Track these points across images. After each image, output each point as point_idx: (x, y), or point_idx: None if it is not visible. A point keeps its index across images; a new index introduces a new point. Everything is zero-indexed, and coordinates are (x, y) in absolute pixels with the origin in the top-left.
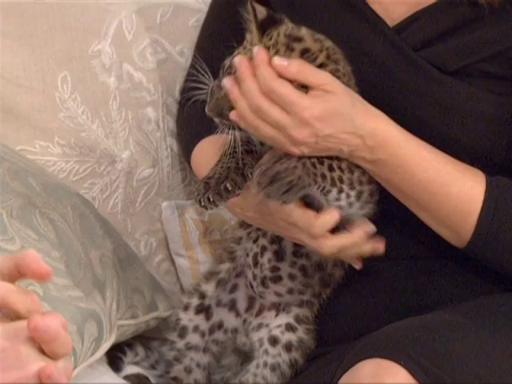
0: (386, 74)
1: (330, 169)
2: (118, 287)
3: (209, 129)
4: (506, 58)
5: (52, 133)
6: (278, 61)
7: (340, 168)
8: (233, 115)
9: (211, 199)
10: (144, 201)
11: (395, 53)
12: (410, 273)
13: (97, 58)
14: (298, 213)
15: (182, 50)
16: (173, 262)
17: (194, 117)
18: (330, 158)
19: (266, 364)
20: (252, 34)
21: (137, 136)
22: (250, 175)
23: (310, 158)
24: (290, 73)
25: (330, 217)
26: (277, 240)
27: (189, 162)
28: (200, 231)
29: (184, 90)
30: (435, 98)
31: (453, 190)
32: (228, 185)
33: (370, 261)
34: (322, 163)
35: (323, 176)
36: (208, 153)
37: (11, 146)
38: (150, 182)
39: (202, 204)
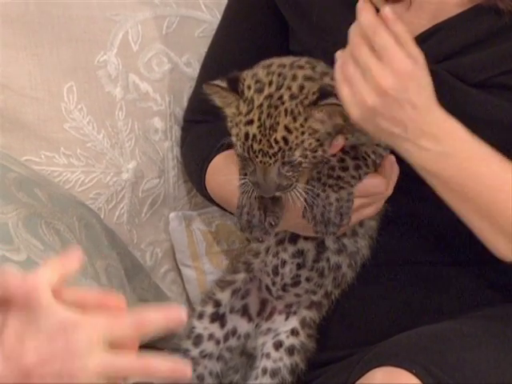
0: None
1: (356, 167)
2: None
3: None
4: None
5: (58, 143)
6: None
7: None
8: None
9: (260, 239)
10: (150, 211)
11: None
12: (417, 279)
13: (103, 68)
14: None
15: (189, 60)
16: (179, 272)
17: (202, 137)
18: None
19: (265, 371)
20: (232, 104)
21: (143, 146)
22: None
23: (328, 178)
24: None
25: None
26: (300, 254)
27: (200, 185)
28: (207, 242)
29: (189, 114)
30: (457, 108)
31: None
32: (271, 220)
33: (376, 266)
34: (344, 168)
35: (352, 177)
36: (224, 171)
37: (17, 157)
38: (156, 192)
39: (252, 241)
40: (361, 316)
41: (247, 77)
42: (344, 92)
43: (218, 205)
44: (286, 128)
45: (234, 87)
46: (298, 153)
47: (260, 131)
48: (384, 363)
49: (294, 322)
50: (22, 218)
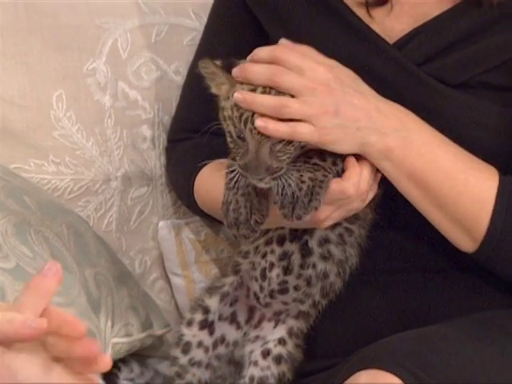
0: (389, 90)
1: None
2: (112, 305)
3: (204, 159)
4: (508, 68)
5: (47, 151)
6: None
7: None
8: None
9: (246, 236)
10: (138, 219)
11: (397, 69)
12: (406, 287)
13: (92, 76)
14: (336, 189)
15: (178, 68)
16: (167, 280)
17: (188, 152)
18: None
19: (253, 379)
20: (222, 85)
21: (131, 154)
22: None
23: (305, 163)
24: None
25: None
26: (285, 256)
27: (189, 199)
28: (196, 250)
29: (173, 134)
30: (440, 111)
31: (470, 178)
32: (257, 218)
33: (365, 275)
34: (322, 159)
35: (329, 167)
36: (212, 178)
37: (6, 165)
38: (145, 200)
39: (238, 239)
40: (349, 325)
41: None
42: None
43: (208, 217)
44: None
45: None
46: None
47: (265, 92)
48: (368, 366)
49: (281, 332)
50: (10, 226)
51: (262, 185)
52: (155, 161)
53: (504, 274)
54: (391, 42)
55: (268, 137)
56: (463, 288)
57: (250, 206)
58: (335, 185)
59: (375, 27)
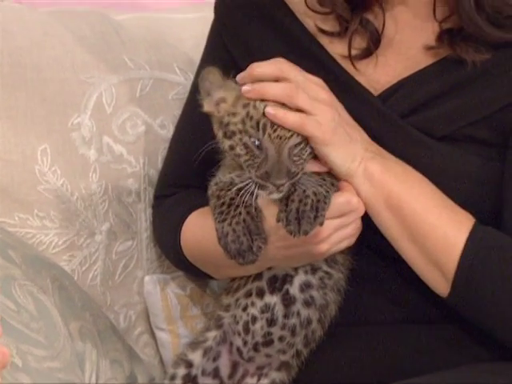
0: (373, 141)
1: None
2: (97, 359)
3: (188, 210)
4: (491, 123)
5: (31, 205)
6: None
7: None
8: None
9: (253, 261)
10: (123, 273)
11: (382, 121)
12: (392, 338)
13: (77, 130)
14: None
15: (163, 122)
16: (152, 334)
17: (172, 206)
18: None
19: None
20: (222, 103)
21: (116, 208)
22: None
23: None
24: None
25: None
26: (267, 309)
27: (174, 253)
28: (182, 305)
29: (160, 190)
30: (423, 162)
31: (444, 213)
32: (260, 244)
33: (346, 326)
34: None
35: (326, 176)
36: (199, 221)
37: None
38: (129, 254)
39: (242, 263)
40: (333, 377)
41: None
42: (308, 128)
43: (194, 270)
44: None
45: None
46: None
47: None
48: None
49: None
50: None
51: (275, 196)
52: (140, 214)
53: (480, 322)
54: (376, 93)
55: (286, 139)
56: (447, 340)
57: (249, 232)
58: (340, 197)
59: (360, 78)
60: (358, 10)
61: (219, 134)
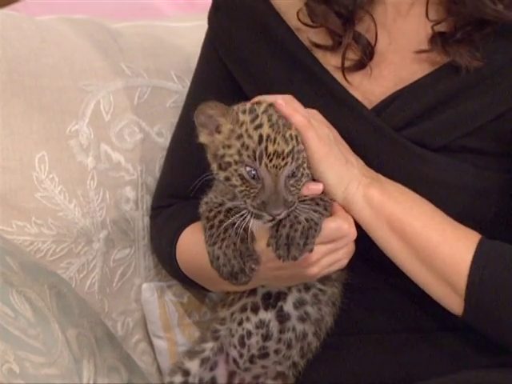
0: (368, 155)
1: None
2: (94, 366)
3: (185, 222)
4: (486, 132)
5: (29, 212)
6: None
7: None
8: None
9: (245, 281)
10: (121, 281)
11: (376, 134)
12: (384, 348)
13: (74, 138)
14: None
15: (160, 130)
16: (150, 342)
17: (170, 217)
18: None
19: None
20: (217, 134)
21: (114, 216)
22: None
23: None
24: None
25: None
26: (262, 325)
27: (171, 265)
28: (179, 313)
29: (157, 201)
30: (419, 174)
31: (447, 229)
32: (252, 265)
33: (343, 336)
34: (317, 203)
35: (320, 200)
36: (194, 237)
37: None
38: (127, 262)
39: (235, 284)
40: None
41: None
42: (310, 134)
43: (189, 282)
44: (295, 130)
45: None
46: (302, 156)
47: (273, 129)
48: None
49: None
50: None
51: (269, 224)
52: (138, 222)
53: (500, 335)
54: (371, 105)
55: (282, 167)
56: (444, 350)
57: (240, 254)
58: (332, 223)
59: (354, 91)
60: (350, 24)
61: (214, 165)
